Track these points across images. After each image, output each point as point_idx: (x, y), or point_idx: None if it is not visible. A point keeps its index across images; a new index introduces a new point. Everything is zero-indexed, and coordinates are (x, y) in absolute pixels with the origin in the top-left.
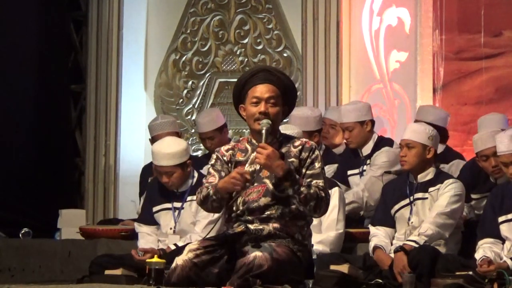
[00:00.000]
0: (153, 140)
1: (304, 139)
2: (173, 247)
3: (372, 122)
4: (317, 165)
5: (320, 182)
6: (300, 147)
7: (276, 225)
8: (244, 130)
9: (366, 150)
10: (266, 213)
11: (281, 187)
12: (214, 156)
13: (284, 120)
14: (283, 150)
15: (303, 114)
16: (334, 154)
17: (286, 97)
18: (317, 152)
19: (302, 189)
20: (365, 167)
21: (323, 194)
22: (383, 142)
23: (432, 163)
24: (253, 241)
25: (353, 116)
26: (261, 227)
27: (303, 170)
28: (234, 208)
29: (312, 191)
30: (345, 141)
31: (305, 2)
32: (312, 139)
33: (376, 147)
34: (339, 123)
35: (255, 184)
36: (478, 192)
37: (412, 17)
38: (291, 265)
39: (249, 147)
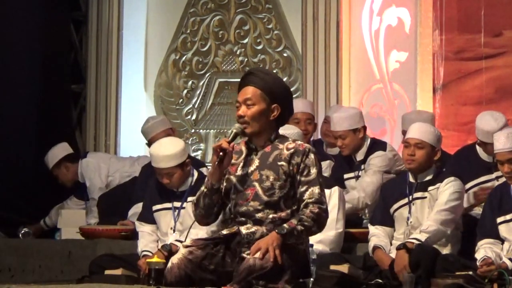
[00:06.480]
0: (150, 143)
1: (298, 142)
2: (177, 244)
3: (364, 128)
4: (312, 170)
5: (316, 189)
6: (292, 150)
7: (269, 226)
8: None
9: (360, 155)
10: (257, 216)
11: (271, 191)
12: None
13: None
14: (275, 153)
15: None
16: (326, 152)
17: (272, 96)
18: (311, 155)
19: (298, 228)
20: (360, 173)
21: (316, 210)
22: (376, 145)
23: (433, 164)
24: (246, 244)
25: (346, 124)
26: (253, 229)
27: (298, 177)
28: (227, 211)
29: (307, 222)
30: (338, 148)
31: (305, 2)
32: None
33: (369, 152)
34: (332, 131)
35: (245, 187)
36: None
37: (412, 17)
38: (291, 264)
39: (244, 150)
